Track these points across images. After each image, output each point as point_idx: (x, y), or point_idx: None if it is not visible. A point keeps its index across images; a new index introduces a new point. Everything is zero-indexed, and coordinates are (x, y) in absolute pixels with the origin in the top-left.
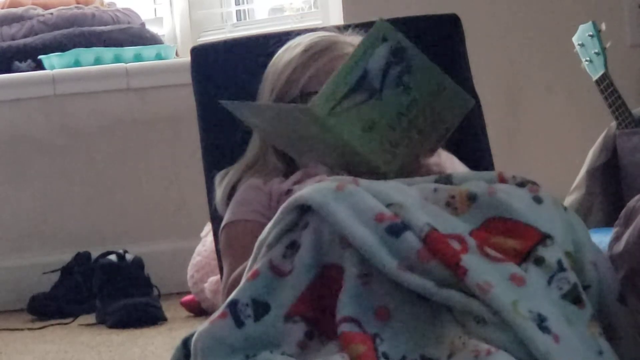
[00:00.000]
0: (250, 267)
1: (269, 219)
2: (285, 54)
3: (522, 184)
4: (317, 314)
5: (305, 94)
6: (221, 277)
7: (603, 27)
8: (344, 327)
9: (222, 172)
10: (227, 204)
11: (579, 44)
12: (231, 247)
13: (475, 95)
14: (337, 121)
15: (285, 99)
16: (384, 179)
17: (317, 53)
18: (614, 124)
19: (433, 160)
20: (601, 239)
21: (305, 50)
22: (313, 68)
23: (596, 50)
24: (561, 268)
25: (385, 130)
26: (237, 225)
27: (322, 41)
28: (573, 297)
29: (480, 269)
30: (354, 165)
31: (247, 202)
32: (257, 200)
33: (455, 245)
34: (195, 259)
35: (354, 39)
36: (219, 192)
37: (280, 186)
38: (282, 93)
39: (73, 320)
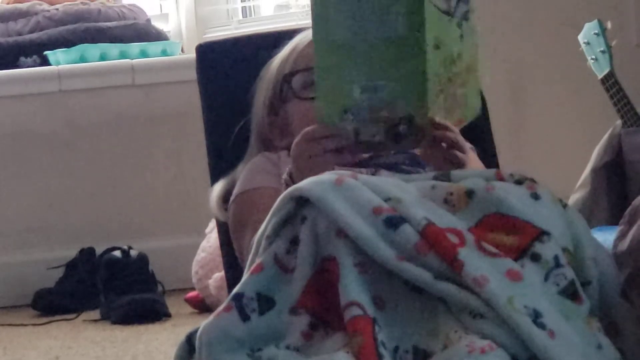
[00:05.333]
0: (252, 260)
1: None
2: (277, 56)
3: (519, 182)
4: (321, 306)
5: (293, 73)
6: (225, 273)
7: (609, 25)
8: (351, 312)
9: (217, 183)
10: (224, 208)
11: (584, 42)
12: (255, 215)
13: (480, 93)
14: (429, 19)
15: (277, 88)
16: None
17: (300, 42)
18: (619, 122)
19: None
20: (606, 237)
21: (291, 46)
22: (296, 52)
23: (602, 49)
24: (558, 264)
25: (437, 65)
26: (260, 192)
27: (303, 32)
28: (570, 293)
29: (477, 263)
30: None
31: (265, 170)
32: (273, 170)
33: (453, 239)
34: (200, 255)
35: None
36: (214, 196)
37: (288, 159)
38: (276, 84)
39: (77, 316)
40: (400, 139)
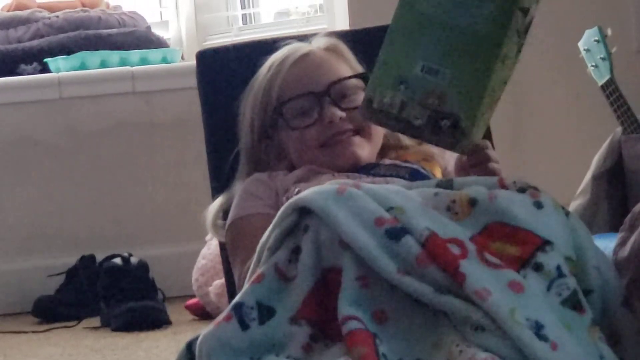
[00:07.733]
0: (253, 270)
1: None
2: (259, 77)
3: (522, 190)
4: (321, 317)
5: (281, 103)
6: (226, 280)
7: (609, 32)
8: (349, 326)
9: (215, 201)
10: (221, 226)
11: (584, 49)
12: (244, 243)
13: None
14: (511, 29)
15: (266, 116)
16: (452, 136)
17: (283, 63)
18: (619, 129)
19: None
20: (606, 244)
21: (274, 67)
22: (280, 78)
23: (602, 56)
24: (560, 274)
25: (497, 81)
26: (248, 219)
27: (284, 48)
28: (573, 303)
29: (479, 275)
30: (443, 99)
31: (255, 196)
32: (264, 194)
33: (455, 250)
34: (200, 262)
35: (320, 42)
36: (210, 217)
37: (285, 178)
38: (264, 111)
39: (78, 323)
40: (438, 133)
